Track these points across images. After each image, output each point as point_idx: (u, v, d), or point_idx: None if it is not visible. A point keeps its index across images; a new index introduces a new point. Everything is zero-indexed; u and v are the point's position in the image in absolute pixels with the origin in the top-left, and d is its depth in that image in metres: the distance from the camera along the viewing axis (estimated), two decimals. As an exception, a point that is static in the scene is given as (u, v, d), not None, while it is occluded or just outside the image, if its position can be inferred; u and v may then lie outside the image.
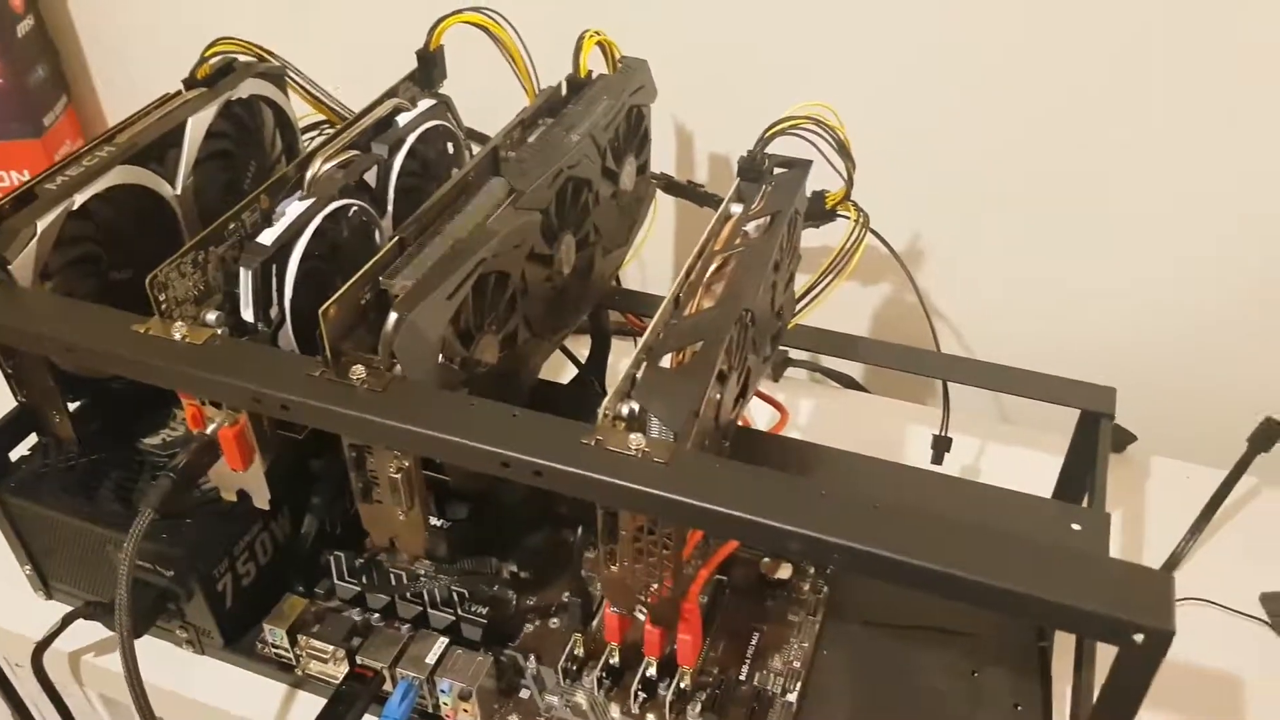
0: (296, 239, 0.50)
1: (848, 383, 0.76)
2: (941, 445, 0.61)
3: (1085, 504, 0.54)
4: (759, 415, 0.67)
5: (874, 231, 0.61)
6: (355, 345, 0.45)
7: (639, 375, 0.43)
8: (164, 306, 0.47)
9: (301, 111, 0.68)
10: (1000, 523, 0.49)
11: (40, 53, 0.89)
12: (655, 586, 0.44)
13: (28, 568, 0.60)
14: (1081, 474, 0.57)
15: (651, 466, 0.38)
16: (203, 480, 0.52)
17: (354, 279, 0.44)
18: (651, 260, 0.82)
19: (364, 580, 0.56)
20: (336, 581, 0.56)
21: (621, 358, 0.75)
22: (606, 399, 0.41)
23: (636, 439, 0.39)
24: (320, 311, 0.43)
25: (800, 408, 0.73)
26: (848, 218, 0.60)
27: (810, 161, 0.55)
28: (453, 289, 0.45)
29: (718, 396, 0.45)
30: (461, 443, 0.40)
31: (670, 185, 0.69)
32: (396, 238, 0.47)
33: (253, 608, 0.57)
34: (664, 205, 0.71)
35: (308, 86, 0.66)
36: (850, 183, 0.59)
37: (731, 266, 0.49)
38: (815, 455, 0.54)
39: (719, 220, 0.51)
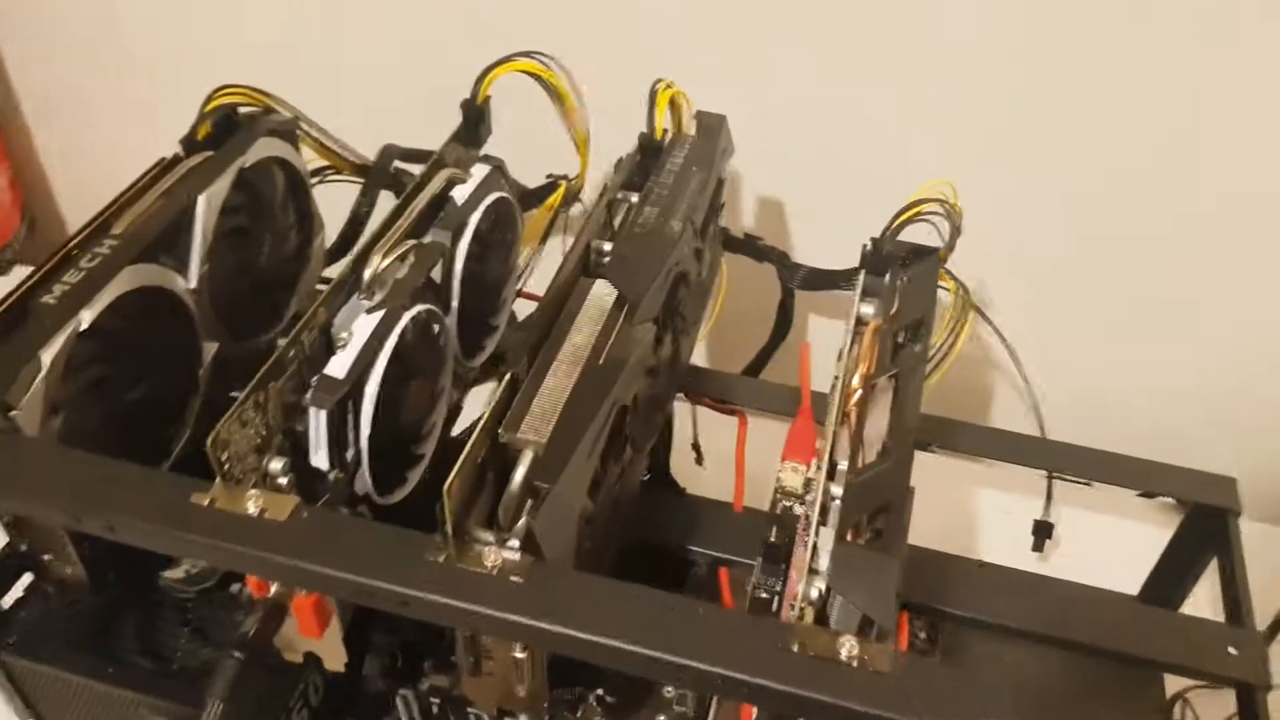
0: (371, 366, 0.42)
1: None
2: (1043, 532, 0.57)
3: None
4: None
5: (977, 309, 0.57)
6: (476, 516, 0.38)
7: (819, 543, 0.37)
8: (226, 468, 0.39)
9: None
10: (1149, 644, 0.47)
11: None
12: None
13: (28, 727, 0.51)
14: (1183, 569, 0.54)
15: (873, 680, 0.33)
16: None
17: (472, 440, 0.37)
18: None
19: (439, 727, 0.49)
20: (407, 726, 0.50)
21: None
22: (800, 588, 0.35)
23: (848, 643, 0.34)
24: (444, 489, 0.35)
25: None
26: (944, 289, 0.55)
27: (938, 250, 0.50)
28: (591, 445, 0.38)
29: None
30: (636, 651, 0.34)
31: (729, 241, 0.63)
32: (509, 374, 0.40)
33: (306, 758, 0.50)
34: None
35: (319, 136, 0.57)
36: (950, 250, 0.54)
37: (895, 389, 0.43)
38: (918, 564, 0.50)
39: (855, 327, 0.46)
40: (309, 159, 0.59)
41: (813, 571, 0.36)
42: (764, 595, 0.37)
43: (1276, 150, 0.63)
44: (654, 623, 0.35)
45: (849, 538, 0.38)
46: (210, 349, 0.50)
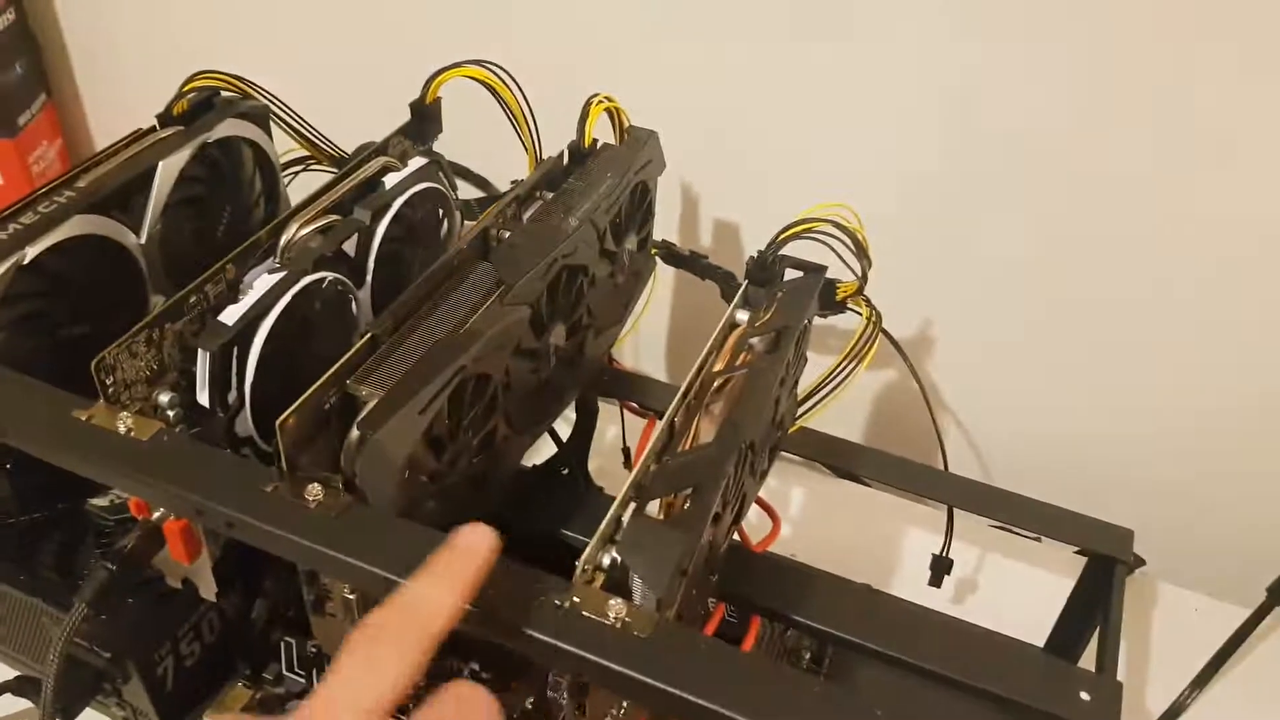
0: (262, 318, 0.46)
1: (844, 472, 0.72)
2: (941, 567, 0.57)
3: (1089, 655, 0.50)
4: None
5: (886, 332, 0.57)
6: (315, 456, 0.41)
7: (625, 519, 0.39)
8: (110, 391, 0.43)
9: (288, 145, 0.64)
10: (1000, 684, 0.46)
11: (19, 50, 0.84)
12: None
13: (-44, 625, 0.56)
14: (1084, 618, 0.53)
15: (630, 641, 0.35)
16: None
17: (317, 385, 0.40)
18: (646, 332, 0.78)
19: (314, 674, 0.52)
20: (285, 672, 0.53)
21: (605, 424, 0.72)
22: (586, 551, 0.37)
23: (616, 605, 0.35)
24: (278, 423, 0.39)
25: (792, 498, 0.70)
26: (859, 313, 0.56)
27: (825, 268, 0.51)
28: (425, 402, 0.41)
29: (709, 539, 0.41)
30: (419, 589, 0.36)
31: (670, 255, 0.65)
32: (369, 334, 0.43)
33: (194, 688, 0.53)
34: (663, 271, 0.67)
35: (294, 123, 0.62)
36: (864, 280, 0.55)
37: (735, 386, 0.45)
38: (801, 582, 0.50)
39: (723, 329, 0.47)
40: (292, 148, 0.64)
41: (612, 541, 0.38)
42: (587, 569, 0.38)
43: (1205, 208, 0.62)
44: (444, 567, 0.37)
45: (662, 515, 0.40)
46: (157, 301, 0.55)
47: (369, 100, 0.70)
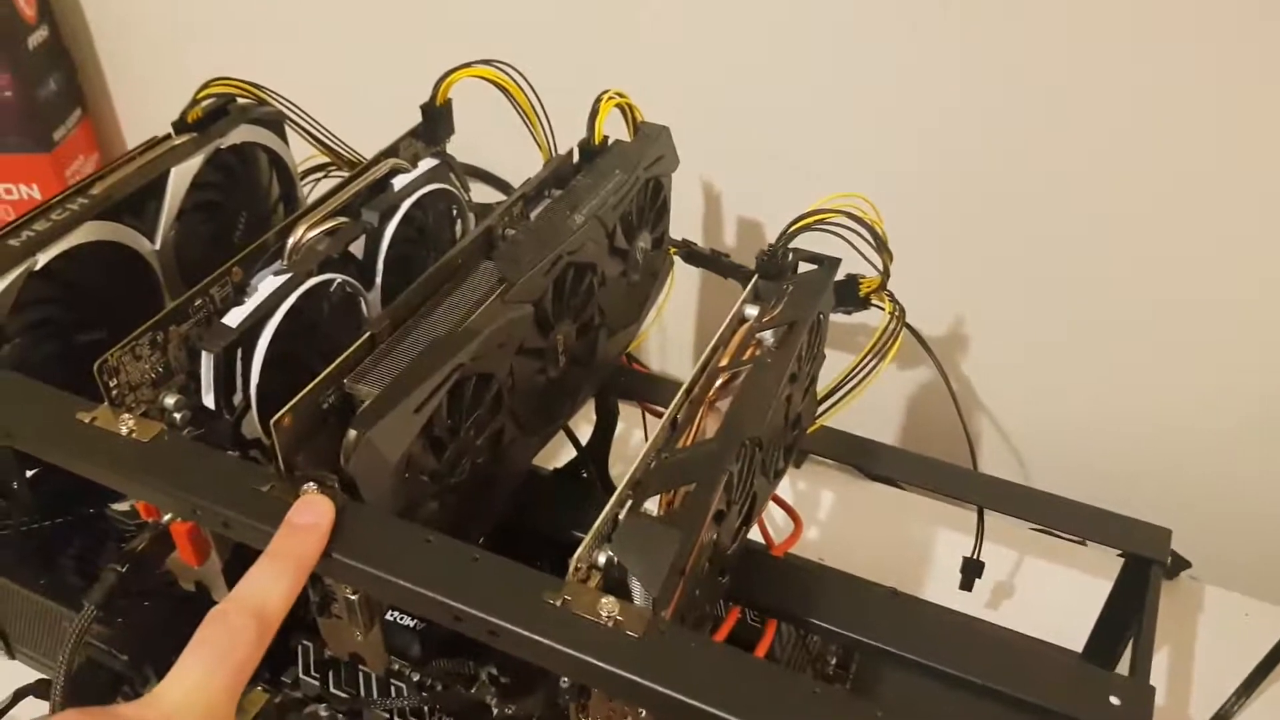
0: (267, 320, 0.46)
1: (872, 473, 0.70)
2: (972, 570, 0.55)
3: (1128, 659, 0.48)
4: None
5: (910, 327, 0.56)
6: (314, 456, 0.40)
7: (622, 517, 0.38)
8: (114, 394, 0.43)
9: (310, 152, 0.64)
10: (1027, 689, 0.44)
11: (53, 65, 0.86)
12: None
13: (-14, 630, 0.57)
14: (1123, 621, 0.51)
15: (621, 640, 0.34)
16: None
17: (313, 383, 0.40)
18: (674, 331, 0.76)
19: (329, 679, 0.52)
20: (301, 675, 0.53)
21: (633, 428, 0.71)
22: (580, 549, 0.36)
23: (608, 603, 0.34)
24: (272, 422, 0.38)
25: (822, 501, 0.68)
26: (881, 309, 0.55)
27: (839, 260, 0.50)
28: (420, 401, 0.40)
29: (713, 537, 0.40)
30: (410, 588, 0.36)
31: (692, 255, 0.64)
32: (367, 334, 0.42)
33: (213, 694, 0.53)
34: (690, 271, 0.66)
35: (311, 129, 0.62)
36: (886, 275, 0.53)
37: (740, 382, 0.43)
38: (822, 586, 0.49)
39: (730, 324, 0.46)
40: (313, 155, 0.64)
41: (608, 539, 0.37)
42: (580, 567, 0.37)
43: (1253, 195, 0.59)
44: (439, 566, 0.37)
45: (662, 513, 0.39)
46: (174, 306, 0.56)
47: (396, 109, 0.70)
